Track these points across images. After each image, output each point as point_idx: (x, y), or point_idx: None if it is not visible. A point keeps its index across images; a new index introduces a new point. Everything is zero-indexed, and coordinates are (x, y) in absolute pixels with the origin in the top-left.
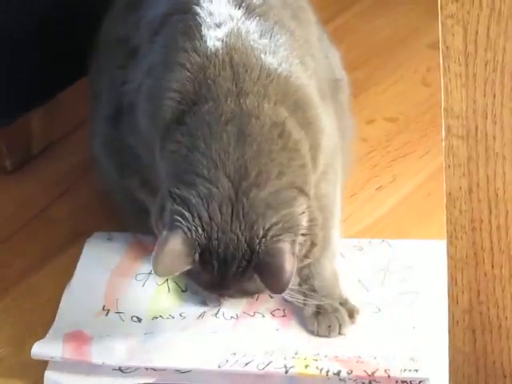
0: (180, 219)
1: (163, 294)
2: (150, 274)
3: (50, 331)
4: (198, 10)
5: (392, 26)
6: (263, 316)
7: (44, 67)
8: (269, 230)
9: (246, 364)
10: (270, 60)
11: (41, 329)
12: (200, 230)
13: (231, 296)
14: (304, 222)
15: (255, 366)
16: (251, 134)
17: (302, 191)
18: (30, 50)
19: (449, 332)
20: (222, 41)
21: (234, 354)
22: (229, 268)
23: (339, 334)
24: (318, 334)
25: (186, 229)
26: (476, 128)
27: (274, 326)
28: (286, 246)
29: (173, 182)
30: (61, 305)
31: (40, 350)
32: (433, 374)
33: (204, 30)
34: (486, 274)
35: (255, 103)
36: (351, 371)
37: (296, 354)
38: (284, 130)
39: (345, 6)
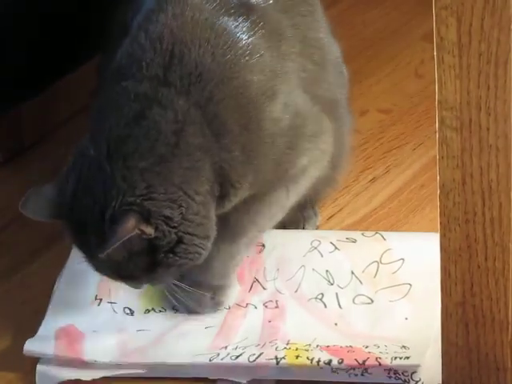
0: (65, 170)
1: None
2: None
3: (42, 324)
4: None
5: (385, 18)
6: (255, 307)
7: (35, 60)
8: (120, 201)
9: (237, 357)
10: (211, 62)
11: (33, 321)
12: (72, 185)
13: (104, 272)
14: (170, 213)
15: (246, 359)
16: (149, 119)
17: (181, 189)
18: (21, 43)
19: (442, 324)
20: (172, 30)
21: (226, 347)
22: (86, 233)
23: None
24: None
25: (63, 179)
26: (470, 120)
27: (266, 318)
28: (131, 219)
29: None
30: (53, 295)
31: (32, 346)
32: (425, 365)
33: (160, 16)
34: (479, 267)
35: (171, 96)
36: (342, 360)
37: (287, 344)
38: (183, 130)
39: None
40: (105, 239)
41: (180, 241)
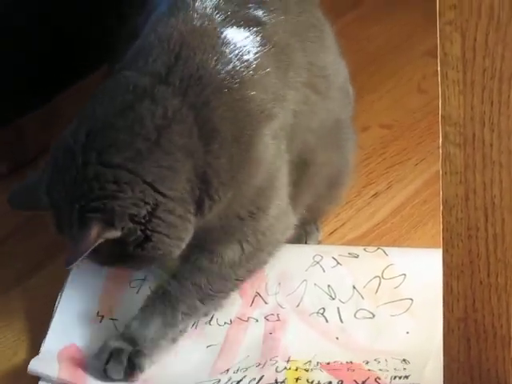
0: (48, 161)
1: None
2: (144, 280)
3: (45, 342)
4: (179, 3)
5: (387, 33)
6: (257, 321)
7: (38, 72)
8: (87, 202)
9: (238, 382)
10: (213, 68)
11: (35, 334)
12: (48, 174)
13: (89, 259)
14: (136, 211)
15: (247, 383)
16: (136, 111)
17: (152, 187)
18: (24, 54)
19: (443, 340)
20: (181, 33)
21: (227, 370)
22: (62, 221)
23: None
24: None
25: (42, 168)
26: (473, 135)
27: (267, 330)
28: (94, 228)
29: None
30: (54, 311)
31: (36, 366)
32: (426, 380)
33: (171, 20)
34: (481, 282)
35: (167, 94)
36: (341, 382)
37: (288, 361)
38: (170, 127)
39: (341, 12)
40: (72, 241)
41: (148, 238)
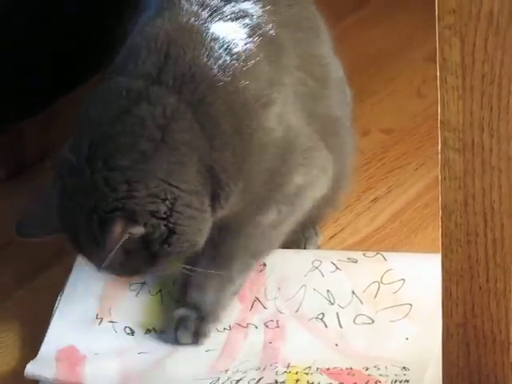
0: (51, 180)
1: (156, 305)
2: (143, 284)
3: (43, 344)
4: (165, 3)
5: (388, 37)
6: (256, 327)
7: (38, 72)
8: (104, 208)
9: (238, 381)
10: (205, 64)
11: (34, 338)
12: (58, 196)
13: (110, 273)
14: (156, 207)
15: (246, 383)
16: (133, 115)
17: (165, 182)
18: (24, 55)
19: (443, 345)
20: (168, 32)
21: (226, 371)
22: (80, 241)
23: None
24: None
25: (49, 190)
26: (472, 141)
27: (267, 339)
28: (117, 226)
29: None
30: (53, 314)
31: (33, 369)
32: None
33: (157, 21)
34: (480, 288)
35: (161, 93)
36: None
37: (288, 367)
38: (170, 125)
39: (341, 16)
40: (98, 249)
41: (172, 232)
